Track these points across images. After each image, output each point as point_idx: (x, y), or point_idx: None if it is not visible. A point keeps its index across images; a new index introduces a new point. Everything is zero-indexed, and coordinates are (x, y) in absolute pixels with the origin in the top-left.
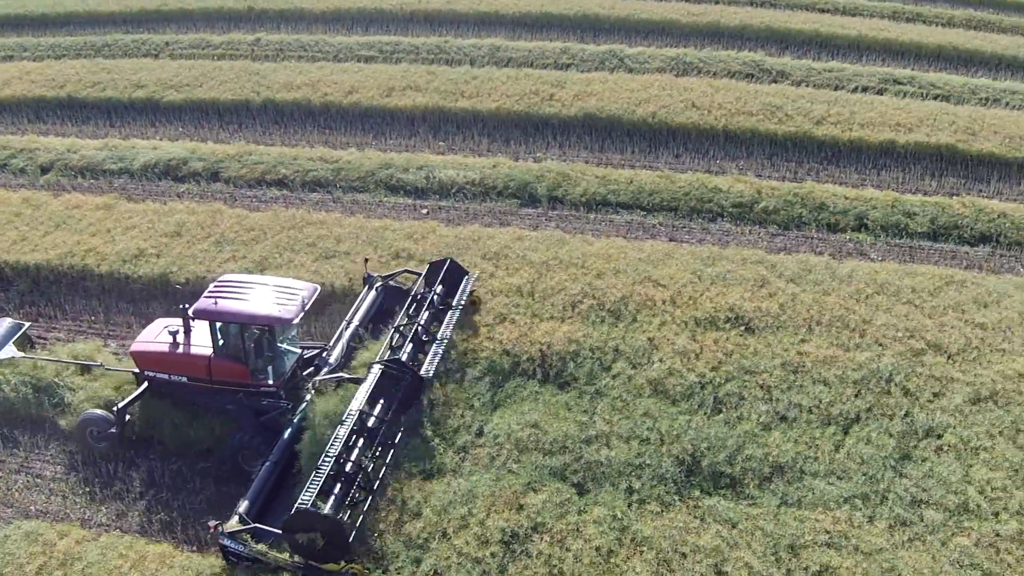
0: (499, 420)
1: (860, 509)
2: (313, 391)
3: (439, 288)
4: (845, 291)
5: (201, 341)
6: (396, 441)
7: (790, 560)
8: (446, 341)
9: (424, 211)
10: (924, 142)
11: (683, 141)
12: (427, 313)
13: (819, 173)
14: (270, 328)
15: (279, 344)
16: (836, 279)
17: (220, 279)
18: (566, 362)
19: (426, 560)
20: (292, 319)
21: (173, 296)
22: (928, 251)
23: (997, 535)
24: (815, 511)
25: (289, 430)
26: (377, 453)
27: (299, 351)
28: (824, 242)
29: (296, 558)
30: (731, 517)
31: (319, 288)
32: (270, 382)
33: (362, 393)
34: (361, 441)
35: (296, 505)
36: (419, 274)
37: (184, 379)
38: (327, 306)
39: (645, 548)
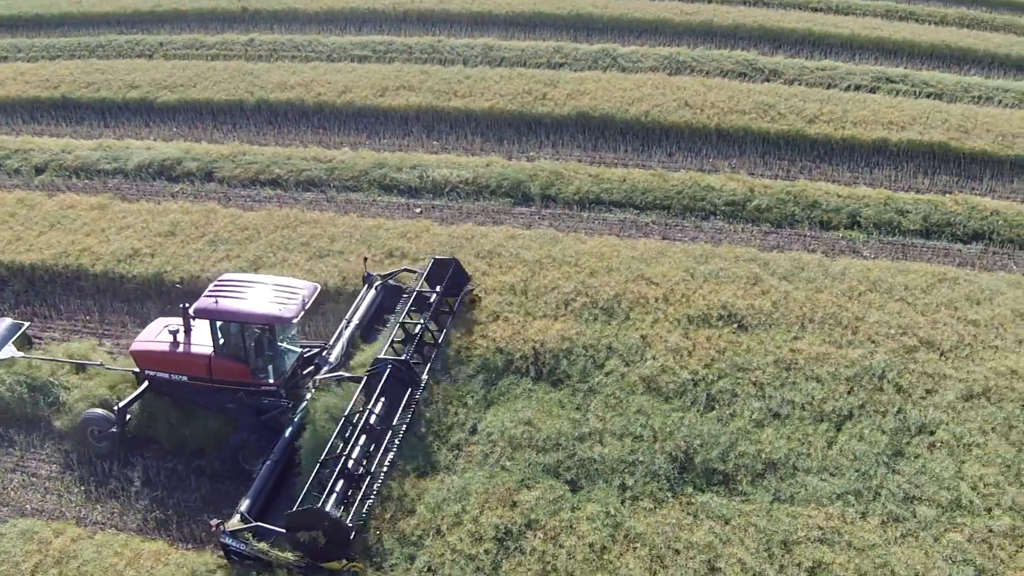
0: (493, 418)
1: (853, 505)
2: (314, 390)
3: (439, 288)
4: (838, 288)
5: (201, 340)
6: (398, 440)
7: (783, 556)
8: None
9: (418, 210)
10: (917, 140)
11: (676, 140)
12: (427, 313)
13: (812, 171)
14: (270, 327)
15: (279, 343)
16: (829, 277)
17: (220, 278)
18: (559, 360)
19: (420, 557)
20: (292, 318)
21: (168, 295)
22: (921, 249)
23: (990, 531)
24: (808, 507)
25: (290, 429)
26: (378, 452)
27: (299, 350)
28: (817, 240)
29: (298, 556)
30: (724, 513)
31: (319, 287)
32: (271, 381)
33: (362, 392)
34: (363, 440)
35: (298, 504)
36: (419, 273)
37: (184, 378)
38: (321, 305)
39: (638, 544)
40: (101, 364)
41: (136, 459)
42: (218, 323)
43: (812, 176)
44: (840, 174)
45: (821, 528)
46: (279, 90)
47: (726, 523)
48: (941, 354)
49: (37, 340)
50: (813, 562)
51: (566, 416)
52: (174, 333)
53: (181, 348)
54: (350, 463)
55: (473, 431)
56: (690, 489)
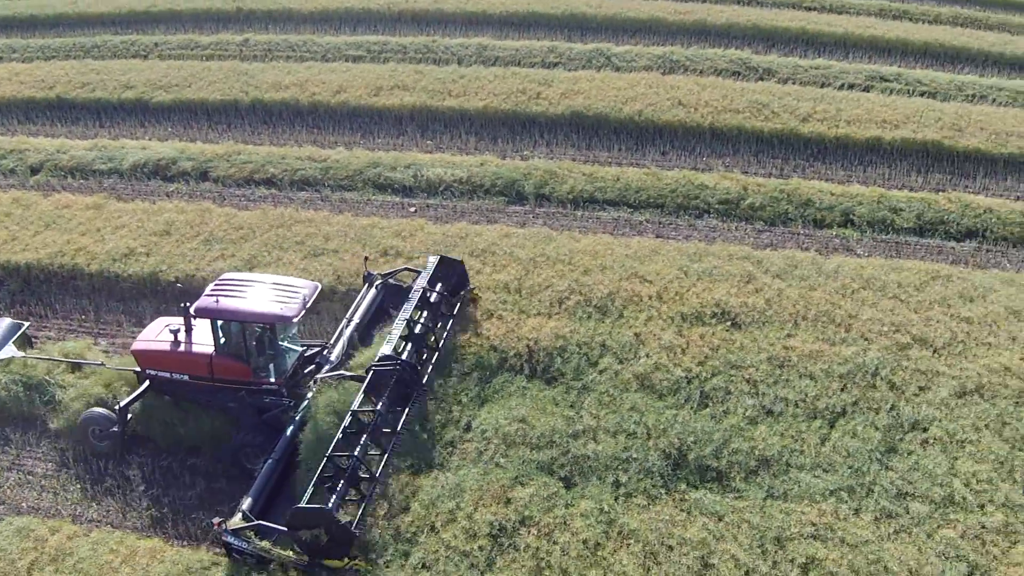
0: (487, 415)
1: (846, 502)
2: (315, 389)
3: (442, 288)
4: (831, 286)
5: (202, 339)
6: (398, 439)
7: (776, 552)
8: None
9: (412, 209)
10: (910, 138)
11: (670, 139)
12: (428, 312)
13: (805, 170)
14: (272, 326)
15: (280, 342)
16: (822, 274)
17: (221, 277)
18: (553, 357)
19: (414, 553)
20: (293, 317)
21: (163, 294)
22: (914, 247)
23: (983, 527)
24: (801, 504)
25: (291, 428)
26: (381, 451)
27: (300, 349)
28: (810, 238)
29: (300, 555)
30: (717, 510)
31: (320, 286)
32: (272, 380)
33: (362, 391)
34: (363, 438)
35: (299, 502)
36: (419, 272)
37: (186, 377)
38: (316, 304)
39: (632, 541)
40: (102, 364)
41: (131, 457)
42: (219, 322)
43: (806, 174)
44: (834, 172)
45: (814, 524)
46: (274, 90)
47: (719, 520)
48: (934, 351)
49: (35, 340)
50: (806, 558)
51: (560, 413)
52: (175, 332)
53: (182, 347)
54: (352, 462)
55: (467, 428)
56: (683, 486)
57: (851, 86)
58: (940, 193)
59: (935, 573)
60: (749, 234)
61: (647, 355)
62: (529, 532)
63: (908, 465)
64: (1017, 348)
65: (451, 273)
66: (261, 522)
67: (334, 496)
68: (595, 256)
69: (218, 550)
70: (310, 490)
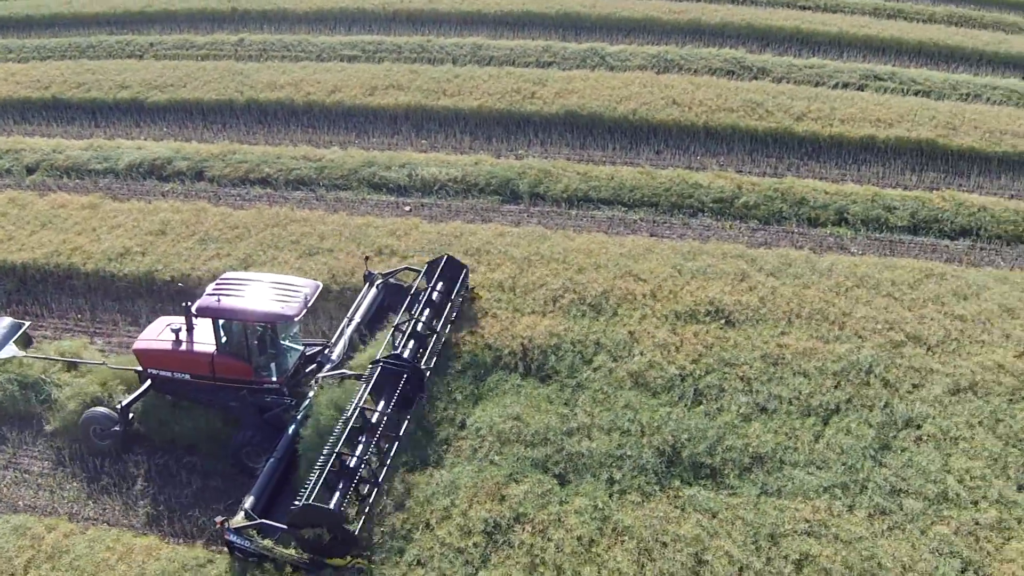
0: (481, 413)
1: (840, 498)
2: (316, 387)
3: (439, 285)
4: (825, 284)
5: (204, 338)
6: (400, 437)
7: (770, 549)
8: (443, 338)
9: (407, 208)
10: (904, 137)
11: (664, 138)
12: (428, 310)
13: (799, 168)
14: (273, 325)
15: (282, 341)
16: (816, 272)
17: (222, 277)
18: (547, 355)
19: (409, 550)
20: (295, 316)
21: (159, 294)
22: (908, 245)
23: (976, 523)
24: (795, 500)
25: (293, 427)
26: (382, 449)
27: (301, 348)
28: (804, 236)
29: (302, 553)
30: (711, 507)
31: (321, 285)
32: (273, 379)
33: (365, 390)
34: (365, 437)
35: (302, 500)
36: (419, 271)
37: (187, 376)
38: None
39: (626, 537)
40: (103, 363)
41: (128, 456)
42: (220, 321)
43: (800, 173)
44: (828, 171)
45: (808, 521)
46: (269, 90)
47: (713, 516)
48: (928, 349)
49: (33, 339)
50: (800, 555)
51: (554, 411)
52: (176, 332)
53: (184, 346)
54: (354, 460)
55: (462, 426)
56: (677, 483)
57: (845, 85)
58: (934, 191)
59: (929, 569)
60: (743, 233)
61: (641, 353)
62: (523, 529)
63: (902, 462)
64: (1011, 345)
65: (455, 274)
66: (264, 520)
67: (337, 495)
68: (589, 255)
69: (214, 547)
70: (312, 489)
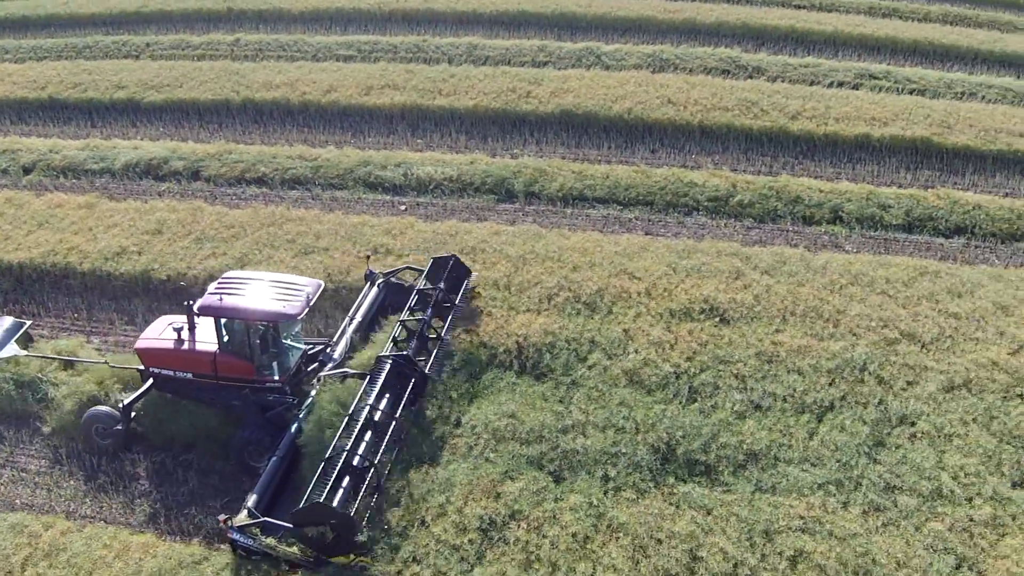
0: (476, 411)
1: (834, 495)
2: (319, 386)
3: (442, 285)
4: (819, 282)
5: (206, 337)
6: (403, 435)
7: (764, 545)
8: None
9: (402, 207)
10: (899, 135)
11: (659, 136)
12: (431, 310)
13: (794, 167)
14: (275, 324)
15: (284, 340)
16: (811, 270)
17: (224, 275)
18: (542, 353)
19: (404, 548)
20: (297, 315)
21: (155, 293)
22: (903, 243)
23: (971, 520)
24: (789, 497)
25: (295, 425)
26: (384, 447)
27: (304, 347)
28: (799, 234)
29: (305, 552)
30: (706, 503)
31: (323, 284)
32: (275, 378)
33: (369, 388)
34: (368, 435)
35: (306, 498)
36: (420, 271)
37: (189, 375)
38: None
39: (621, 534)
40: (105, 362)
41: (125, 454)
42: (223, 320)
43: (795, 172)
44: (823, 170)
45: (802, 518)
46: (265, 89)
47: (708, 513)
48: (922, 346)
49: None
50: (794, 551)
51: (549, 409)
52: (178, 331)
53: (186, 345)
54: (356, 459)
55: (457, 424)
56: (672, 480)
57: (840, 84)
58: (929, 190)
59: (923, 566)
60: (738, 231)
61: (636, 351)
62: (519, 526)
63: (896, 459)
64: (1005, 343)
65: (460, 276)
66: (267, 518)
67: (340, 492)
68: (584, 253)
69: (211, 544)
70: (315, 486)
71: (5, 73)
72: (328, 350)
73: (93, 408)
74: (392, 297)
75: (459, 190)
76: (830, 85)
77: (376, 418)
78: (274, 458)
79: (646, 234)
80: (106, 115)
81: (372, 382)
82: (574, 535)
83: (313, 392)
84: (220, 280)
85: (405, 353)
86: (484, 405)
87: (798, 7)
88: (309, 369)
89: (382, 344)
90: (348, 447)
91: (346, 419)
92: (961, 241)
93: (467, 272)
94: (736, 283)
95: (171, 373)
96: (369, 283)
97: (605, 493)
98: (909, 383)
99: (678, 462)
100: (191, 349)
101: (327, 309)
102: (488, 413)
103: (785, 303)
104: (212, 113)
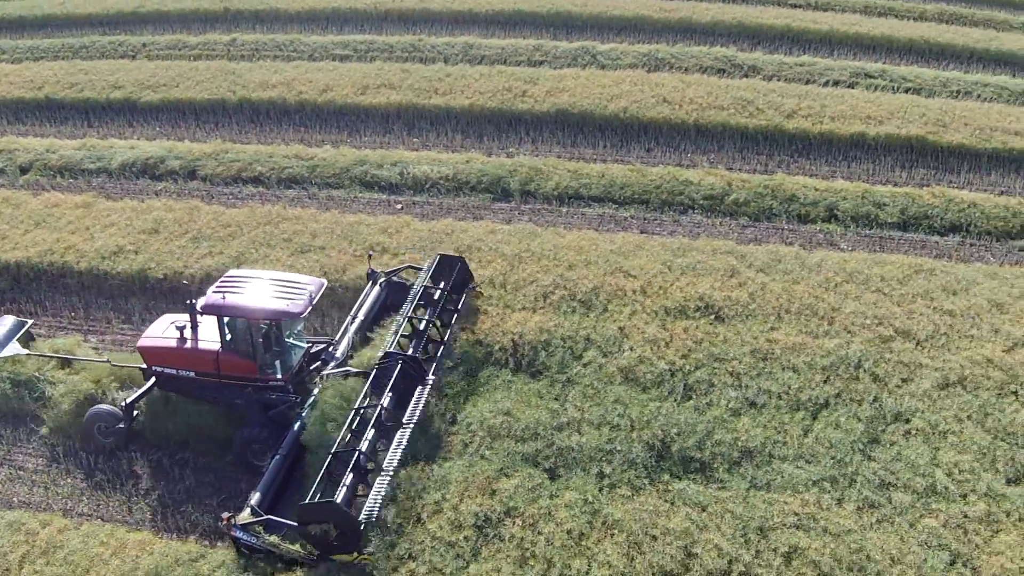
0: (472, 408)
1: (829, 492)
2: (321, 384)
3: (443, 284)
4: (814, 280)
5: (208, 336)
6: (406, 433)
7: (759, 542)
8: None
9: (398, 206)
10: (895, 134)
11: (655, 135)
12: (436, 310)
13: (790, 165)
14: (278, 322)
15: (286, 338)
16: (805, 268)
17: (227, 274)
18: (538, 351)
19: (400, 544)
20: (300, 313)
21: (151, 292)
22: (898, 241)
23: (965, 516)
24: (784, 494)
25: (298, 423)
26: (387, 445)
27: (306, 345)
28: (794, 233)
29: (308, 550)
30: (700, 500)
31: (325, 283)
32: (278, 376)
33: (371, 386)
34: (371, 433)
35: (309, 497)
36: (421, 269)
37: (192, 374)
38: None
39: (616, 531)
40: (108, 360)
41: (121, 452)
42: (225, 319)
43: (790, 170)
44: (818, 168)
45: (797, 514)
46: (261, 89)
47: (703, 510)
48: (917, 343)
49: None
50: (789, 548)
51: (544, 406)
52: (181, 329)
53: (188, 344)
54: (360, 457)
55: (453, 421)
56: (667, 477)
57: (836, 83)
58: (924, 188)
59: (917, 562)
60: (733, 229)
61: (631, 348)
62: (514, 523)
63: (891, 456)
64: (999, 340)
65: (464, 279)
66: (271, 517)
67: (344, 490)
68: (580, 251)
69: (207, 542)
70: (316, 485)
71: (2, 73)
72: (330, 349)
73: (95, 407)
74: (394, 296)
75: (455, 189)
76: (826, 84)
77: (381, 417)
78: (277, 456)
79: (641, 232)
80: (103, 115)
81: (377, 381)
82: (569, 532)
83: (316, 391)
84: (223, 279)
85: (415, 356)
86: (480, 403)
87: (794, 6)
88: (312, 368)
89: (384, 342)
90: (351, 445)
91: (350, 417)
92: (956, 239)
93: (471, 278)
94: (731, 281)
95: (173, 372)
96: (371, 282)
97: (600, 490)
98: (904, 380)
99: (673, 459)
100: (194, 348)
101: (323, 307)
102: (484, 410)
103: (780, 301)
104: (208, 113)
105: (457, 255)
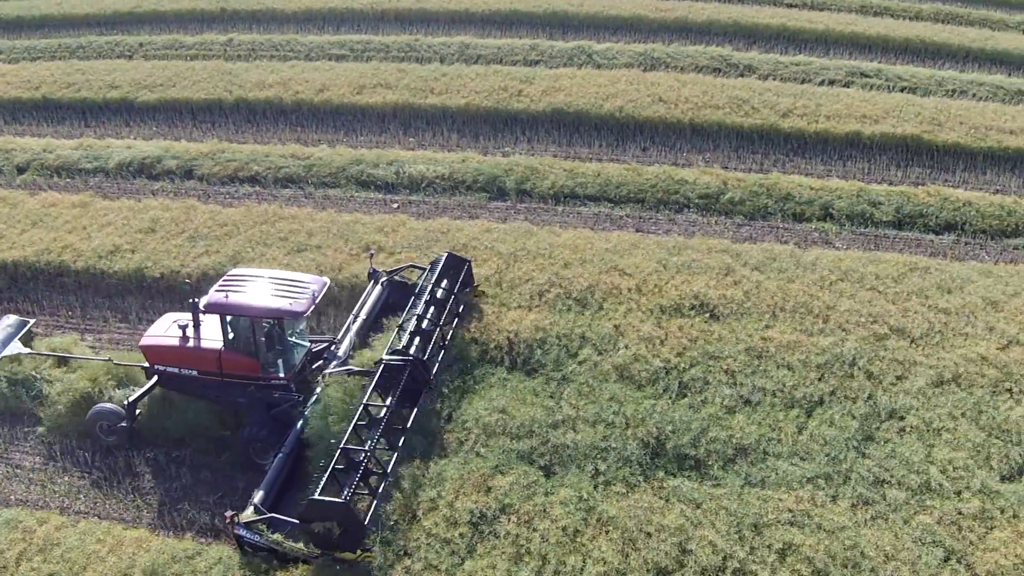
0: (467, 406)
1: (823, 489)
2: (323, 383)
3: (445, 284)
4: (809, 278)
5: (211, 335)
6: (407, 432)
7: (753, 538)
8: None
9: (394, 205)
10: (890, 133)
11: (650, 134)
12: (435, 309)
13: (785, 164)
14: (280, 321)
15: (289, 337)
16: (800, 267)
17: (229, 273)
18: (533, 349)
19: (395, 541)
20: (303, 312)
21: (148, 291)
22: (893, 239)
23: (959, 513)
24: (778, 491)
25: (300, 422)
26: (389, 443)
27: (308, 344)
28: (789, 231)
29: (311, 548)
30: (695, 497)
31: (328, 282)
32: (280, 375)
33: (373, 385)
34: (374, 432)
35: (312, 495)
36: (423, 269)
37: (194, 373)
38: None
39: (611, 528)
40: (109, 359)
41: (118, 450)
42: (228, 317)
43: (785, 169)
44: (813, 167)
45: (791, 511)
46: (258, 89)
47: (697, 507)
48: (911, 341)
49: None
50: (783, 544)
51: (540, 404)
52: (183, 328)
53: (191, 343)
54: (363, 455)
55: (449, 419)
56: (662, 474)
57: (831, 82)
58: (919, 187)
59: (911, 559)
60: (728, 228)
61: (626, 346)
62: (509, 520)
63: (885, 453)
64: (994, 338)
65: (467, 280)
66: (274, 515)
67: (347, 489)
68: (575, 250)
69: (203, 539)
70: (319, 483)
71: None
72: (333, 347)
73: (98, 405)
74: (395, 295)
75: (451, 188)
76: (821, 83)
77: (387, 418)
78: (280, 455)
79: (637, 231)
80: (100, 115)
81: (381, 380)
82: (564, 529)
83: (318, 389)
84: (225, 277)
85: (422, 358)
86: (475, 400)
87: (789, 5)
88: (314, 367)
89: (387, 341)
90: (354, 443)
91: (355, 417)
92: (951, 237)
93: (472, 281)
94: (726, 279)
95: (176, 370)
96: (373, 281)
97: (595, 487)
98: (898, 378)
99: (668, 456)
100: (196, 346)
101: (320, 306)
102: (479, 408)
103: (775, 299)
104: (205, 112)
105: (464, 256)
